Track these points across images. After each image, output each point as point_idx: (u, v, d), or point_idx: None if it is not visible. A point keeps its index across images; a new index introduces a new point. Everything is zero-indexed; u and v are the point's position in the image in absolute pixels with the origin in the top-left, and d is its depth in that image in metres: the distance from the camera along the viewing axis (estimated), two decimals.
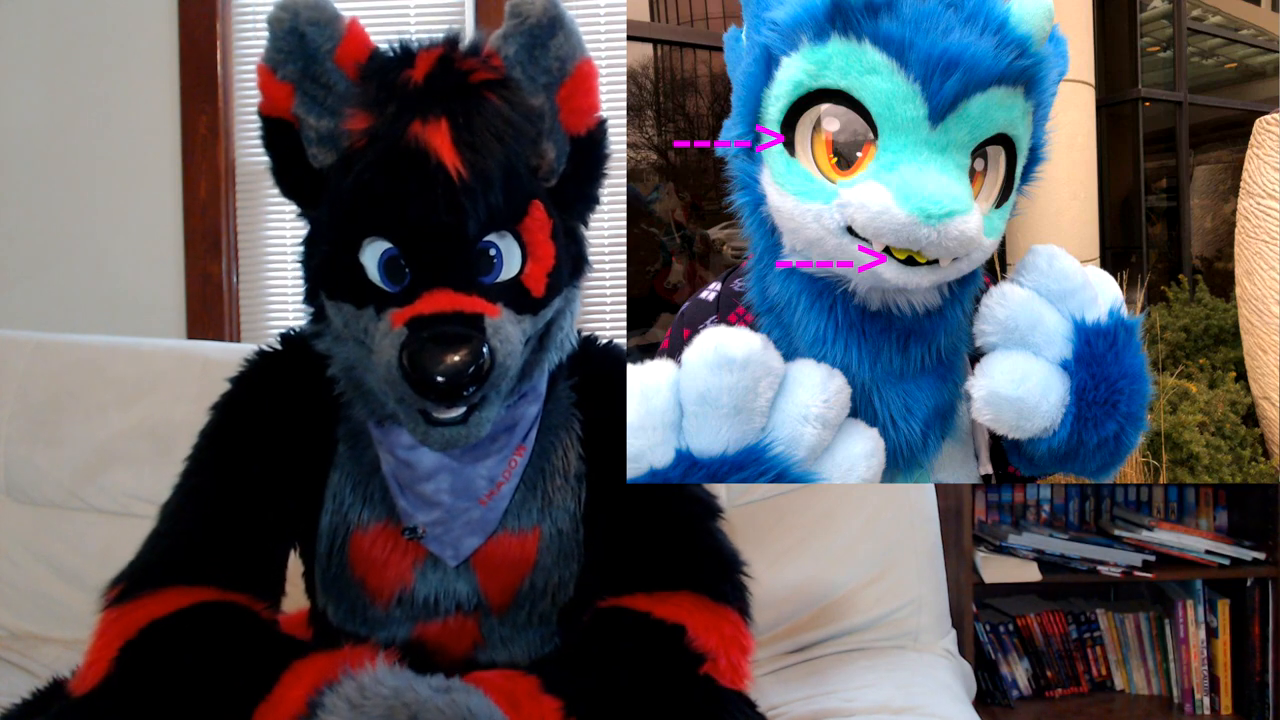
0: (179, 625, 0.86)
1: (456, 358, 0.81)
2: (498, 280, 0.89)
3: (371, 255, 0.87)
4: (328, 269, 0.91)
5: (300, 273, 0.96)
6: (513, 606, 0.97)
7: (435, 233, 0.85)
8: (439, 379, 0.81)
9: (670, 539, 0.96)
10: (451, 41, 0.89)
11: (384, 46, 0.90)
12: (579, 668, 0.87)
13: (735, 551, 0.98)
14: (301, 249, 0.95)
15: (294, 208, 0.98)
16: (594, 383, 1.01)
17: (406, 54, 0.89)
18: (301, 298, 0.96)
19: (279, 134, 0.93)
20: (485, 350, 0.83)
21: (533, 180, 0.91)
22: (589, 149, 0.95)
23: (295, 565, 1.04)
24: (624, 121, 2.05)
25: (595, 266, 1.03)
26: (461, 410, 0.86)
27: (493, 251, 0.88)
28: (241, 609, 0.89)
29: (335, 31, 0.89)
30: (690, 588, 0.93)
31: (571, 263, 0.96)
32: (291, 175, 0.94)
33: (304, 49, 0.89)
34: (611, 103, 1.98)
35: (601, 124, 0.95)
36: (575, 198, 0.96)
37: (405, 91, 0.86)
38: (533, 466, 0.97)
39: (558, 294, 0.93)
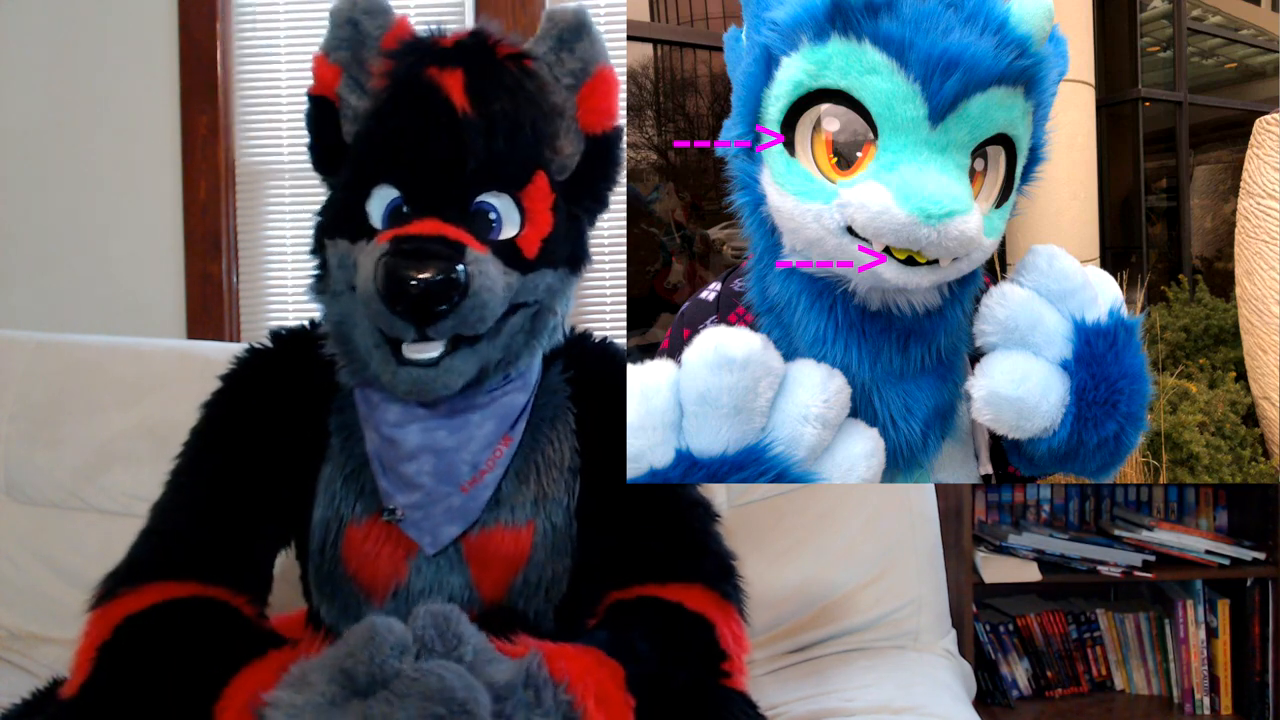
0: (149, 621, 0.85)
1: (430, 273, 0.83)
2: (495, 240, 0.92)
3: (378, 203, 0.91)
4: (334, 212, 0.95)
5: (313, 231, 0.99)
6: (505, 602, 0.97)
7: (434, 167, 0.89)
8: (412, 284, 0.82)
9: (677, 535, 0.97)
10: (484, 27, 0.95)
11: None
12: (640, 659, 0.86)
13: (734, 555, 0.99)
14: (320, 207, 0.99)
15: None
16: (589, 378, 1.02)
17: (440, 33, 0.95)
18: (310, 248, 0.99)
19: (321, 111, 0.98)
20: (461, 270, 0.84)
21: (543, 154, 0.95)
22: (603, 150, 1.00)
23: (296, 567, 1.04)
24: (624, 121, 2.05)
25: (595, 266, 1.04)
26: (435, 354, 0.87)
27: (492, 215, 0.91)
28: (217, 603, 0.88)
29: (386, 21, 0.96)
30: (703, 582, 0.94)
31: (571, 250, 0.97)
32: (324, 149, 1.00)
33: (356, 34, 0.96)
34: None
35: (618, 129, 1.00)
36: (585, 195, 1.00)
37: (429, 47, 0.93)
38: (526, 459, 0.97)
39: (550, 265, 0.94)
